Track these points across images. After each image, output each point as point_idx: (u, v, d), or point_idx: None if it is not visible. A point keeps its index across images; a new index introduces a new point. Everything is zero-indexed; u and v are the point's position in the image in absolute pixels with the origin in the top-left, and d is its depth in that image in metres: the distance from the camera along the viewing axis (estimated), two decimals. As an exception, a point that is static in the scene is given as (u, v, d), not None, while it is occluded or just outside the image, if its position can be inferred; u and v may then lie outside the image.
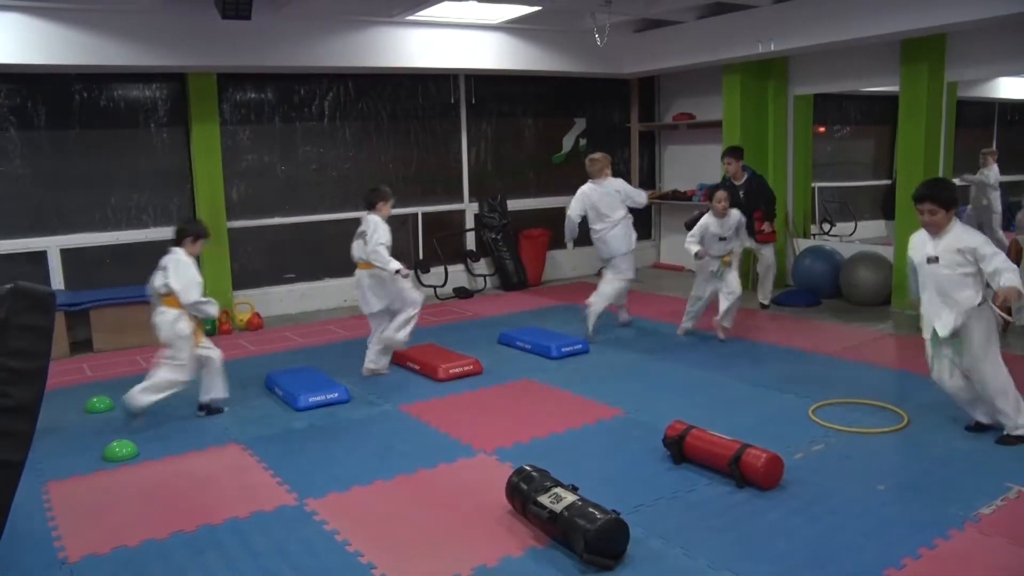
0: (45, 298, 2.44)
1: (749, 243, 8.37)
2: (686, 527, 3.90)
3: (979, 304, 4.65)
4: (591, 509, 3.63)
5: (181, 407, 6.16)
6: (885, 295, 8.66)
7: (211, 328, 8.75)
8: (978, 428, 4.99)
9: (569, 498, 3.75)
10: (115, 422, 5.82)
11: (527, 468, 4.10)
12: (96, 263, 8.72)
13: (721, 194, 7.33)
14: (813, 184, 10.57)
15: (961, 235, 4.66)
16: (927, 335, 4.90)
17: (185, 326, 5.79)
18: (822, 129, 11.38)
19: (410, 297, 6.77)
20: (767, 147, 10.09)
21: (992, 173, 10.33)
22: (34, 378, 2.40)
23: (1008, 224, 10.59)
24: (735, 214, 7.41)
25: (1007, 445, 4.77)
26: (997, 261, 4.52)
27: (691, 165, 11.32)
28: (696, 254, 7.25)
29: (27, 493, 4.60)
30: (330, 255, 9.98)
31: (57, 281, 8.50)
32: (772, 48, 8.77)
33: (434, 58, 9.45)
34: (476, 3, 8.38)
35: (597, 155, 8.05)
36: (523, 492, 3.94)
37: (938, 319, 4.76)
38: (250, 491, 4.56)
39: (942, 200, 4.64)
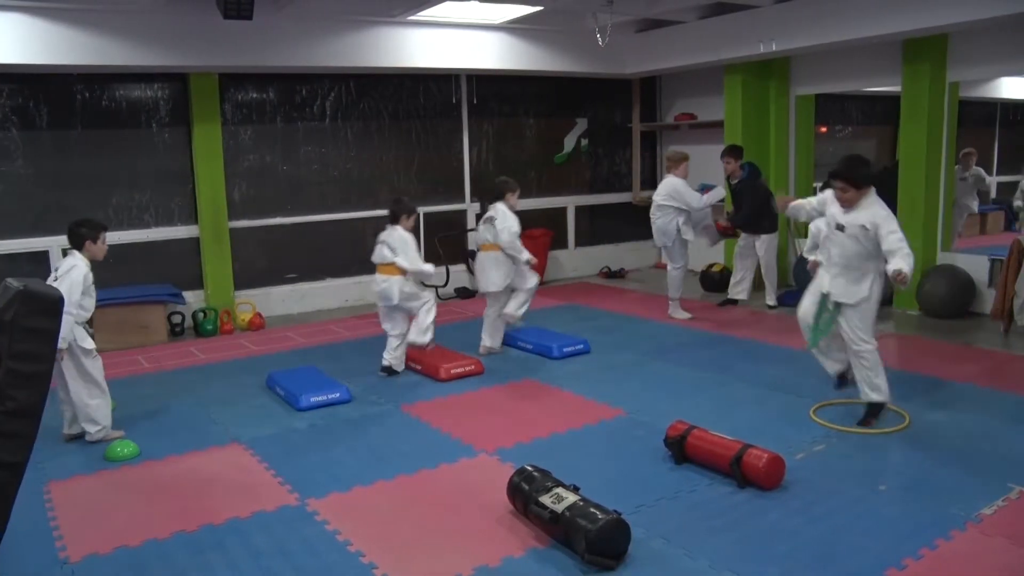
0: (54, 302, 2.44)
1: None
2: (688, 527, 3.90)
3: (870, 281, 5.04)
4: (592, 509, 3.63)
5: (183, 407, 6.18)
6: (886, 295, 8.63)
7: (212, 328, 8.77)
8: (841, 381, 5.47)
9: (570, 498, 3.75)
10: (117, 421, 5.81)
11: (528, 468, 4.10)
12: (98, 263, 8.68)
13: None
14: (815, 184, 10.56)
15: (871, 211, 4.91)
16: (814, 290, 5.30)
17: (411, 286, 6.65)
18: (824, 129, 11.40)
19: (530, 279, 7.30)
20: (769, 147, 10.09)
21: (971, 174, 10.29)
22: (38, 381, 2.40)
23: (1010, 224, 10.60)
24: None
25: (866, 426, 5.16)
26: (893, 241, 4.80)
27: (693, 165, 11.24)
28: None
29: (28, 493, 4.59)
30: (332, 255, 10.02)
31: (59, 281, 8.50)
32: (774, 48, 8.77)
33: (435, 58, 9.45)
34: (478, 3, 8.38)
35: (669, 151, 8.80)
36: (524, 492, 3.94)
37: (831, 280, 5.14)
38: (252, 491, 4.57)
39: (853, 179, 4.94)
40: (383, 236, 6.75)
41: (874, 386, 5.13)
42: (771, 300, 8.99)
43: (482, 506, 4.20)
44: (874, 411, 5.20)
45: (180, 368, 7.41)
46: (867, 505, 4.07)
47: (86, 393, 5.34)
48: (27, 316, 2.37)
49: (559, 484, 3.92)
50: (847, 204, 4.99)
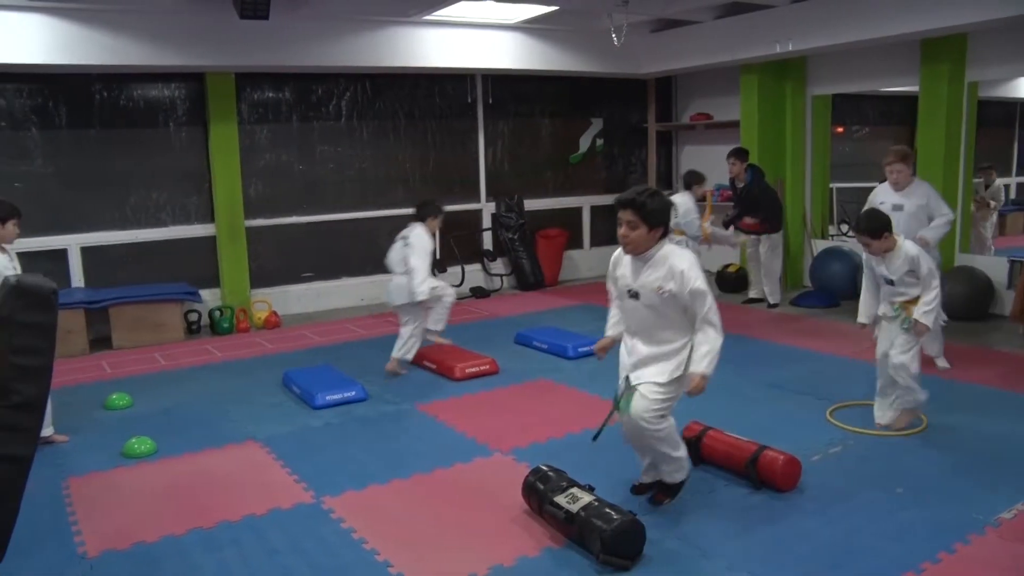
0: (46, 295, 2.45)
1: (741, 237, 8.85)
2: (703, 528, 3.89)
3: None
4: (608, 510, 3.63)
5: (199, 404, 6.21)
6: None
7: (228, 326, 8.81)
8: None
9: (586, 498, 3.75)
10: (134, 419, 5.87)
11: (543, 468, 4.10)
12: (116, 261, 8.79)
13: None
14: (831, 185, 10.53)
15: (907, 254, 4.97)
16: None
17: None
18: (840, 129, 11.34)
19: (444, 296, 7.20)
20: (785, 148, 10.06)
21: (990, 192, 10.11)
22: (39, 375, 2.43)
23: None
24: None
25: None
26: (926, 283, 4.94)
27: (709, 165, 11.23)
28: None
29: (47, 489, 4.66)
30: (347, 254, 10.05)
31: (77, 279, 8.59)
32: (790, 48, 8.74)
33: (451, 58, 9.47)
34: (493, 3, 8.38)
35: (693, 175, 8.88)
36: (539, 492, 3.94)
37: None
38: (268, 488, 4.58)
39: (871, 232, 4.96)
40: (405, 232, 6.77)
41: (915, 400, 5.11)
42: (773, 299, 8.99)
43: (497, 505, 4.20)
44: None
45: (196, 366, 7.45)
46: (884, 508, 4.05)
47: None
48: (22, 311, 2.39)
49: (574, 484, 3.92)
50: (878, 253, 5.03)
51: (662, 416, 3.97)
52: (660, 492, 4.18)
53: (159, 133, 8.96)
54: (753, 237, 8.95)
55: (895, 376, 5.03)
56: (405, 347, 6.81)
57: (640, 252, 3.91)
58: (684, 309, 3.90)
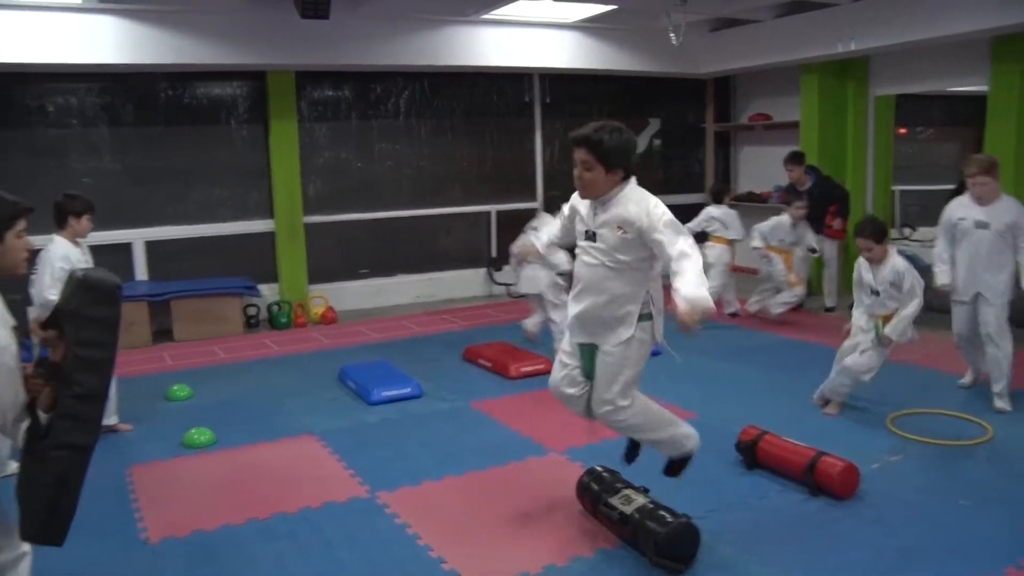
0: (112, 290, 2.53)
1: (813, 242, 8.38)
2: (758, 534, 3.84)
3: None
4: (662, 512, 3.61)
5: (257, 397, 6.31)
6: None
7: (286, 321, 8.94)
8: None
9: (640, 500, 3.74)
10: (194, 410, 5.98)
11: (598, 468, 4.10)
12: (178, 255, 8.97)
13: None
14: (893, 187, 10.31)
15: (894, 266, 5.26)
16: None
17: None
18: (903, 131, 11.09)
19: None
20: (846, 149, 9.87)
21: None
22: (102, 367, 2.51)
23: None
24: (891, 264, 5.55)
25: None
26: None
27: (767, 167, 11.12)
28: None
29: (112, 476, 4.79)
30: (404, 252, 10.14)
31: (141, 272, 8.80)
32: (852, 47, 8.59)
33: (509, 57, 9.49)
34: (551, 2, 8.38)
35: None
36: (594, 492, 3.94)
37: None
38: (323, 482, 4.65)
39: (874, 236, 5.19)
40: (534, 222, 7.07)
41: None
42: (830, 302, 8.82)
43: (551, 505, 4.20)
44: None
45: (255, 359, 7.58)
46: (946, 519, 3.95)
47: None
48: (88, 305, 2.48)
49: (628, 486, 3.91)
50: (877, 260, 5.18)
51: (628, 402, 3.67)
52: (667, 469, 3.94)
53: (221, 130, 9.13)
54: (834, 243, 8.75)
55: (839, 371, 5.41)
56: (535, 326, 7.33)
57: (597, 196, 3.64)
58: (643, 260, 3.54)
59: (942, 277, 5.70)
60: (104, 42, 7.66)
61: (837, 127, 9.85)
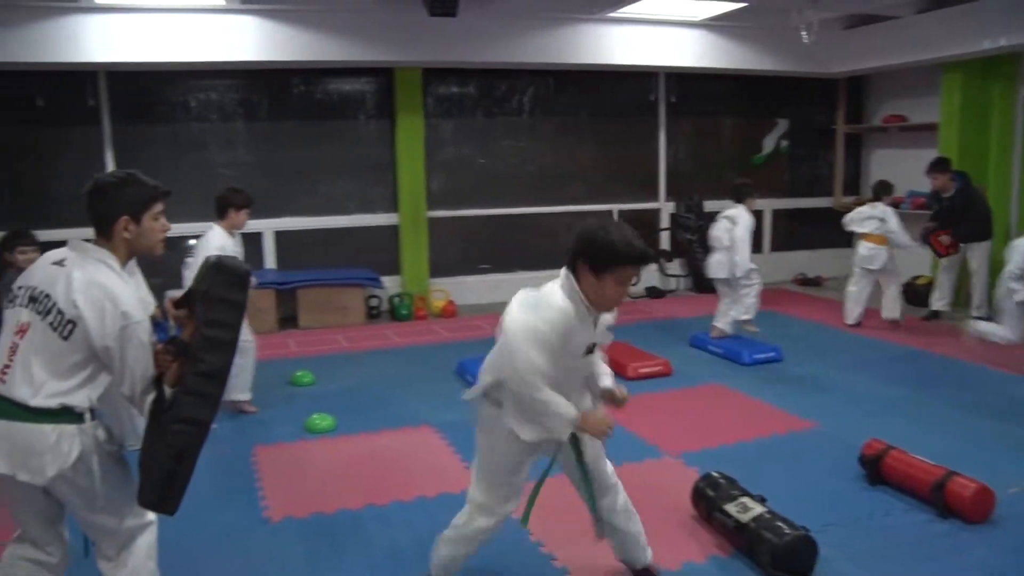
0: (243, 275, 2.69)
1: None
2: (880, 553, 3.71)
3: None
4: (779, 523, 3.54)
5: (377, 386, 6.47)
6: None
7: (407, 313, 9.14)
8: None
9: (757, 509, 3.67)
10: (316, 395, 6.19)
11: (714, 474, 4.04)
12: (304, 246, 9.29)
13: None
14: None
15: None
16: None
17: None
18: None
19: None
20: (988, 153, 9.36)
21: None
22: (226, 347, 2.64)
23: None
24: None
25: None
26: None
27: (900, 171, 10.69)
28: None
29: (239, 455, 5.03)
30: (524, 248, 10.20)
31: (270, 261, 9.16)
32: (1002, 44, 8.13)
33: (635, 56, 9.42)
34: None
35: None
36: (709, 498, 3.89)
37: None
38: (439, 472, 4.74)
39: None
40: (728, 212, 7.43)
41: None
42: (979, 312, 8.38)
43: (665, 508, 4.16)
44: None
45: (376, 349, 7.78)
46: (1092, 551, 3.70)
47: None
48: (219, 287, 2.62)
49: (745, 493, 3.84)
50: None
51: None
52: None
53: (349, 125, 9.42)
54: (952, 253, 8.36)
55: None
56: (723, 318, 7.51)
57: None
58: None
59: None
60: (245, 41, 8.04)
61: (980, 130, 9.35)
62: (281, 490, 4.52)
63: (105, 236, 2.66)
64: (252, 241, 8.99)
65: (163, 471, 2.57)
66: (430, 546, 3.81)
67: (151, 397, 2.64)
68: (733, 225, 7.23)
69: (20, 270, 5.06)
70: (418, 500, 4.35)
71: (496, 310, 9.82)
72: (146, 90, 8.72)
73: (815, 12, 8.07)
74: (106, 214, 2.64)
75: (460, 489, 4.43)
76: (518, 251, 10.21)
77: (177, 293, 2.88)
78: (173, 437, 2.55)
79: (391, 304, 9.30)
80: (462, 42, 8.72)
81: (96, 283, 2.56)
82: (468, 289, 9.96)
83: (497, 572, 3.63)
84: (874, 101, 11.47)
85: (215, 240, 5.40)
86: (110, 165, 8.51)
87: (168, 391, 2.62)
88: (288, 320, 8.71)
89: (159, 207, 2.73)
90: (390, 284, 9.51)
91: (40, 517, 2.72)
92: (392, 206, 9.59)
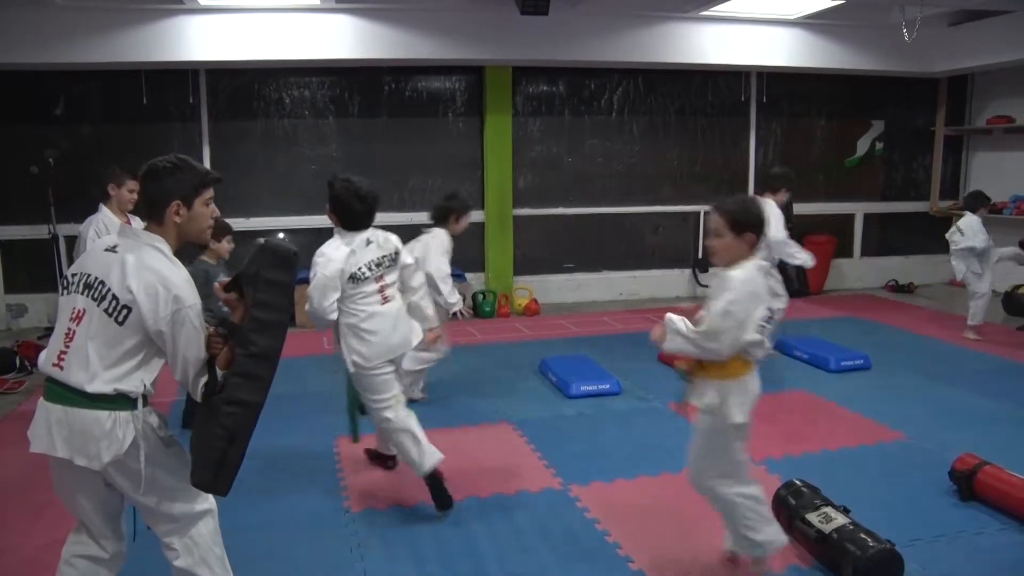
0: (289, 256, 2.73)
1: None
2: (971, 573, 3.58)
3: None
4: (863, 535, 3.45)
5: (459, 382, 6.54)
6: None
7: (490, 310, 9.20)
8: None
9: (840, 520, 3.59)
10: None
11: (797, 483, 3.97)
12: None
13: None
14: None
15: None
16: None
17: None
18: None
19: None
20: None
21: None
22: (276, 329, 2.68)
23: None
24: None
25: None
26: None
27: (1004, 174, 10.30)
28: None
29: (323, 447, 5.14)
30: (609, 248, 10.18)
31: (358, 256, 9.31)
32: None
33: (726, 55, 9.29)
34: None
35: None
36: (791, 507, 3.82)
37: None
38: (517, 470, 4.77)
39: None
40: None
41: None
42: None
43: (744, 516, 4.10)
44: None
45: (458, 345, 7.80)
46: None
47: None
48: (267, 269, 2.67)
49: (828, 503, 3.76)
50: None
51: None
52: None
53: (439, 123, 9.52)
54: None
55: None
56: None
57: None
58: None
59: None
60: (338, 39, 8.22)
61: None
62: (362, 482, 4.61)
63: (157, 221, 2.70)
64: (329, 237, 9.18)
65: (216, 452, 2.60)
66: (507, 543, 3.85)
67: (203, 380, 2.68)
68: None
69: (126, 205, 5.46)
70: (495, 496, 4.38)
71: (580, 309, 9.95)
72: (242, 87, 9.00)
73: (918, 8, 7.78)
74: (158, 198, 2.69)
75: (539, 487, 4.49)
76: (603, 251, 10.19)
77: (225, 278, 2.91)
78: (225, 418, 2.59)
79: (474, 301, 9.38)
80: (552, 40, 8.73)
81: (149, 268, 2.60)
82: (552, 288, 9.98)
83: (574, 573, 3.62)
84: (978, 101, 11.05)
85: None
86: (207, 160, 8.81)
87: (220, 374, 2.66)
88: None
89: (209, 193, 2.77)
90: (474, 281, 9.59)
91: (98, 507, 2.77)
92: (479, 203, 9.66)
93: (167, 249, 2.70)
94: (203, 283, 5.39)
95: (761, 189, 7.19)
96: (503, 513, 4.18)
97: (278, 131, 9.16)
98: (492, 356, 7.47)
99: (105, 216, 5.45)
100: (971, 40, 9.44)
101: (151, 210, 2.72)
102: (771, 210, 6.62)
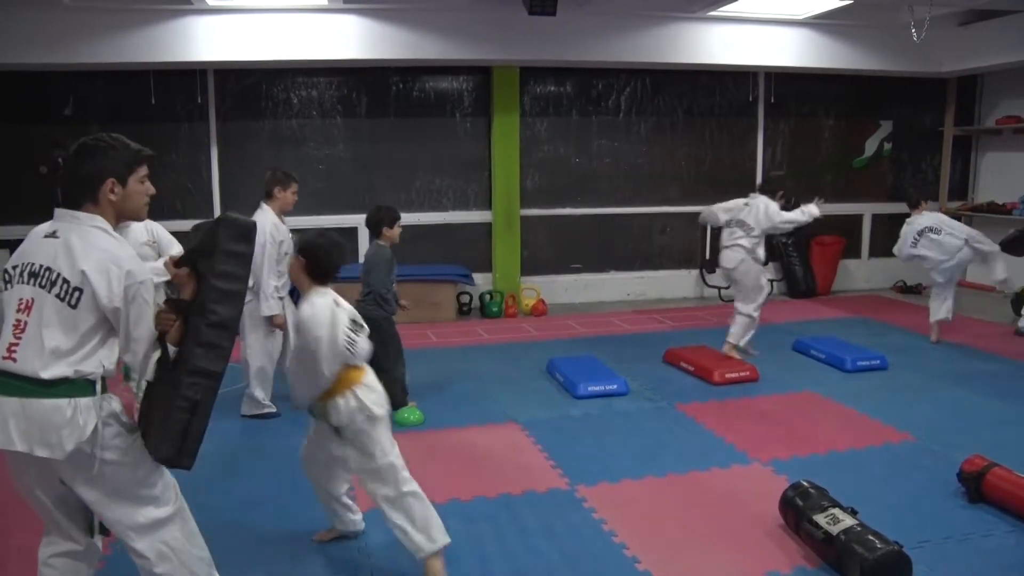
0: (249, 228, 2.78)
1: None
2: (979, 574, 3.56)
3: None
4: (871, 537, 3.44)
5: (465, 382, 6.54)
6: None
7: (497, 310, 9.21)
8: None
9: (847, 521, 3.57)
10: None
11: (804, 484, 3.95)
12: (398, 241, 9.41)
13: None
14: None
15: None
16: None
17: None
18: None
19: None
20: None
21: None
22: (235, 298, 2.72)
23: None
24: None
25: None
26: None
27: (1014, 175, 10.26)
28: None
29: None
30: (617, 248, 10.18)
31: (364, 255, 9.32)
32: None
33: (734, 55, 9.27)
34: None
35: None
36: (798, 508, 3.80)
37: None
38: (524, 470, 4.76)
39: None
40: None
41: None
42: None
43: (751, 516, 4.09)
44: None
45: (465, 345, 7.86)
46: None
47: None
48: (227, 240, 2.70)
49: (836, 504, 3.75)
50: None
51: None
52: None
53: (446, 123, 9.54)
54: None
55: None
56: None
57: None
58: None
59: None
60: (345, 39, 8.24)
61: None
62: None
63: (92, 200, 2.67)
64: (347, 236, 9.18)
65: (178, 424, 2.59)
66: (514, 543, 3.85)
67: (155, 357, 2.68)
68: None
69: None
70: (502, 496, 4.38)
71: (587, 310, 9.93)
72: (249, 88, 9.02)
73: (927, 8, 7.74)
74: (92, 176, 2.65)
75: (545, 488, 4.48)
76: (610, 251, 10.18)
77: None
78: (186, 389, 2.59)
79: (481, 301, 9.38)
80: (560, 41, 8.73)
81: (97, 247, 2.58)
82: (559, 288, 9.97)
83: (581, 573, 3.61)
84: (987, 102, 11.01)
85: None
86: (215, 159, 8.84)
87: (172, 350, 2.66)
88: (380, 313, 8.85)
89: (144, 170, 2.75)
90: (481, 281, 9.59)
91: (57, 502, 2.71)
92: (486, 204, 9.67)
93: (108, 227, 2.67)
94: (387, 270, 5.82)
95: (762, 190, 7.21)
96: (510, 513, 4.18)
97: (286, 131, 9.18)
98: (499, 356, 7.47)
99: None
100: (980, 40, 9.40)
101: (85, 188, 2.66)
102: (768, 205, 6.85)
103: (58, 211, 2.71)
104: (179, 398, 2.60)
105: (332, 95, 9.23)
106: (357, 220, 9.14)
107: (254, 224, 2.79)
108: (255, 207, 5.65)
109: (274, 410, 5.72)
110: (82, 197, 2.67)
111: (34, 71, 8.27)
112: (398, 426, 5.46)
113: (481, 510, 4.22)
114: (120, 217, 2.75)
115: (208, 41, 7.96)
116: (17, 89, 8.46)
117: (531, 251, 9.83)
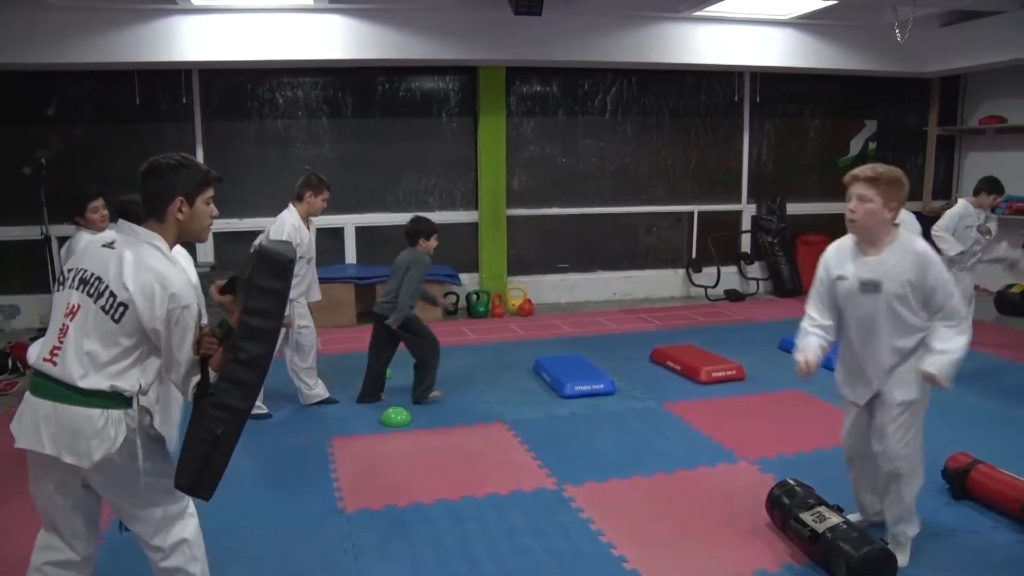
0: (285, 265, 2.68)
1: None
2: (964, 570, 3.59)
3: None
4: (856, 535, 3.46)
5: (453, 382, 6.53)
6: None
7: (484, 310, 9.20)
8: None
9: (833, 519, 3.59)
10: (392, 390, 6.25)
11: (790, 482, 3.97)
12: (385, 241, 9.42)
13: None
14: None
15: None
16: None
17: None
18: None
19: None
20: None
21: None
22: (267, 336, 2.66)
23: None
24: None
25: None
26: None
27: (996, 174, 10.26)
28: None
29: (316, 444, 5.16)
30: (603, 248, 10.19)
31: (351, 255, 9.34)
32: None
33: (720, 55, 9.30)
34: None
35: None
36: (784, 506, 3.82)
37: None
38: (512, 470, 4.76)
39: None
40: None
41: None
42: None
43: (738, 514, 4.11)
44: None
45: (452, 346, 7.82)
46: None
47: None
48: (260, 275, 2.63)
49: (822, 503, 3.76)
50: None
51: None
52: None
53: (432, 123, 9.53)
54: None
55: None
56: None
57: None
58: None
59: None
60: (331, 39, 8.22)
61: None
62: (356, 482, 4.60)
63: (158, 218, 2.68)
64: (334, 235, 9.19)
65: (199, 455, 2.59)
66: (501, 543, 3.84)
67: (195, 380, 2.66)
68: None
69: (98, 229, 4.77)
70: (490, 497, 4.37)
71: (574, 309, 9.95)
72: (235, 88, 8.99)
73: (910, 8, 7.78)
74: (162, 194, 2.66)
75: (532, 488, 4.48)
76: (597, 251, 10.20)
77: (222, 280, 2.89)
78: (210, 423, 2.58)
79: (468, 301, 9.38)
80: (546, 41, 8.73)
81: (146, 266, 2.57)
82: (546, 288, 9.98)
83: (569, 573, 3.62)
84: (970, 101, 11.08)
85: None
86: (201, 159, 8.77)
87: (213, 375, 2.64)
88: (367, 315, 8.79)
89: (211, 192, 2.76)
90: (468, 281, 9.59)
91: (77, 506, 2.70)
92: (472, 204, 9.67)
93: (165, 247, 2.67)
94: (422, 275, 6.00)
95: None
96: (497, 513, 4.17)
97: (271, 131, 9.15)
98: (486, 356, 7.46)
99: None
100: (963, 40, 9.45)
101: (153, 206, 2.67)
102: None
103: (120, 222, 2.73)
104: (203, 430, 2.59)
105: (318, 95, 9.21)
106: (343, 220, 9.17)
107: (290, 260, 2.70)
108: (241, 206, 5.63)
109: (266, 411, 5.70)
110: (149, 213, 2.68)
111: (17, 71, 8.21)
112: (384, 427, 5.49)
113: (469, 510, 4.21)
114: (182, 236, 2.76)
115: (193, 41, 7.92)
116: (0, 89, 8.39)
117: (518, 251, 9.83)
